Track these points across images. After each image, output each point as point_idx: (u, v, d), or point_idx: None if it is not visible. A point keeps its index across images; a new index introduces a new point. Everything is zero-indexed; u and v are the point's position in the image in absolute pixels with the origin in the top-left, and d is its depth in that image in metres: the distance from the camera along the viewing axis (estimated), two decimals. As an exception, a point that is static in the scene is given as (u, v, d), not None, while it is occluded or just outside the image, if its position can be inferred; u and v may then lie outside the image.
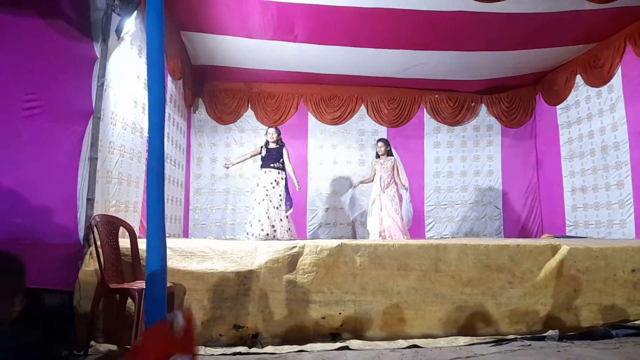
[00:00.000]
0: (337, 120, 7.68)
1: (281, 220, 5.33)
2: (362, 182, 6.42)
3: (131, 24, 3.94)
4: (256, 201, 5.39)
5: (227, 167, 6.11)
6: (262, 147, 5.67)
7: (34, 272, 3.01)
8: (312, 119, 7.68)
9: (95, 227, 3.10)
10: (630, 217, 5.61)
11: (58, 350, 2.99)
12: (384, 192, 5.90)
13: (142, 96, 4.62)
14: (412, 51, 6.28)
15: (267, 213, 5.24)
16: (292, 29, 5.70)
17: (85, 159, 3.49)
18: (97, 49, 3.69)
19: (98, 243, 3.07)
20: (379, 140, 6.27)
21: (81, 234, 3.38)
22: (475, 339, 3.36)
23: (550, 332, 3.42)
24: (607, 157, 6.06)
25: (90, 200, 3.46)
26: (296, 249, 3.52)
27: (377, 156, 6.18)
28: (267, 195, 5.32)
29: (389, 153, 6.13)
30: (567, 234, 6.73)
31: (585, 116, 6.52)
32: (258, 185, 5.49)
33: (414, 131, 7.83)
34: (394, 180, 6.00)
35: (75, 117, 3.48)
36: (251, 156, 5.88)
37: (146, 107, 4.64)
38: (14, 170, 3.15)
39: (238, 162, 6.03)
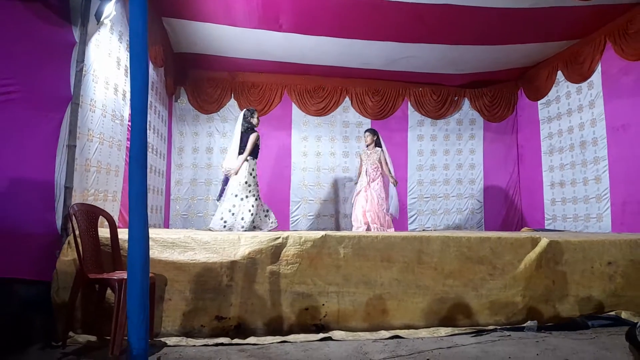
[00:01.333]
0: (322, 112, 7.64)
1: (252, 207, 5.01)
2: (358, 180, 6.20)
3: (111, 8, 3.82)
4: (250, 196, 5.05)
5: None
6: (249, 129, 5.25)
7: (10, 262, 2.96)
8: (296, 110, 7.61)
9: (73, 216, 3.04)
10: (606, 211, 5.74)
11: (33, 341, 2.95)
12: (369, 185, 5.86)
13: (123, 82, 4.51)
14: (397, 43, 6.26)
15: (230, 211, 4.96)
16: (278, 18, 5.62)
17: (63, 146, 3.40)
18: (76, 33, 3.58)
19: (77, 232, 3.00)
20: (366, 130, 6.22)
21: (59, 223, 3.30)
22: (456, 330, 3.42)
23: (529, 323, 3.50)
24: (585, 153, 6.17)
25: (68, 189, 3.37)
26: (279, 240, 3.50)
27: (367, 146, 6.14)
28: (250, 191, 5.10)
29: (376, 144, 6.07)
30: (546, 228, 6.86)
31: (565, 112, 6.62)
32: (254, 177, 5.16)
33: (398, 124, 7.84)
34: (381, 174, 5.95)
35: (53, 103, 3.38)
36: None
37: (127, 94, 4.54)
38: (-12, 157, 3.05)
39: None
